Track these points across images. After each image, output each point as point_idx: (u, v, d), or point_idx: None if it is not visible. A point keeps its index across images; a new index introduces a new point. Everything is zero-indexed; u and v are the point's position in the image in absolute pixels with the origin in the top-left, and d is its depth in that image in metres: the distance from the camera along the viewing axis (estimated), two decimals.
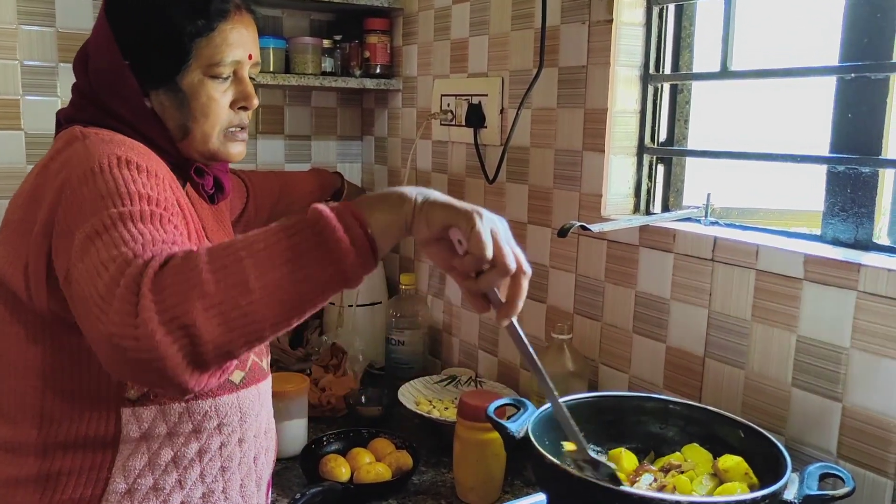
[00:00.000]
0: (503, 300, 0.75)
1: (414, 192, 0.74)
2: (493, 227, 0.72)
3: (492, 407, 1.07)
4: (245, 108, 1.05)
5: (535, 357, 0.80)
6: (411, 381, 1.60)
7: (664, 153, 1.41)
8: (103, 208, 0.79)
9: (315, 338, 1.86)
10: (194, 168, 1.06)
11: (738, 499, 0.85)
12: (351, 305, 1.87)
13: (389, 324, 1.81)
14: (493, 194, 1.67)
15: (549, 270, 1.53)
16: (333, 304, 1.91)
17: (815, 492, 0.88)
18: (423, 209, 0.72)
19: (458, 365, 1.80)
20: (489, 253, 0.70)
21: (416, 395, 1.56)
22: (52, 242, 0.84)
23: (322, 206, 0.71)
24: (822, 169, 1.15)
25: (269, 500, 1.15)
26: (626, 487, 0.88)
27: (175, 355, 0.65)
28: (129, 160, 0.86)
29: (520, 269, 0.73)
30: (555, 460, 0.91)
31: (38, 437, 0.92)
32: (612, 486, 0.85)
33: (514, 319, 0.78)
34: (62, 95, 1.78)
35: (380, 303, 1.92)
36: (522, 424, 1.03)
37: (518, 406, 1.09)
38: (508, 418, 1.08)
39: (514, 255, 0.73)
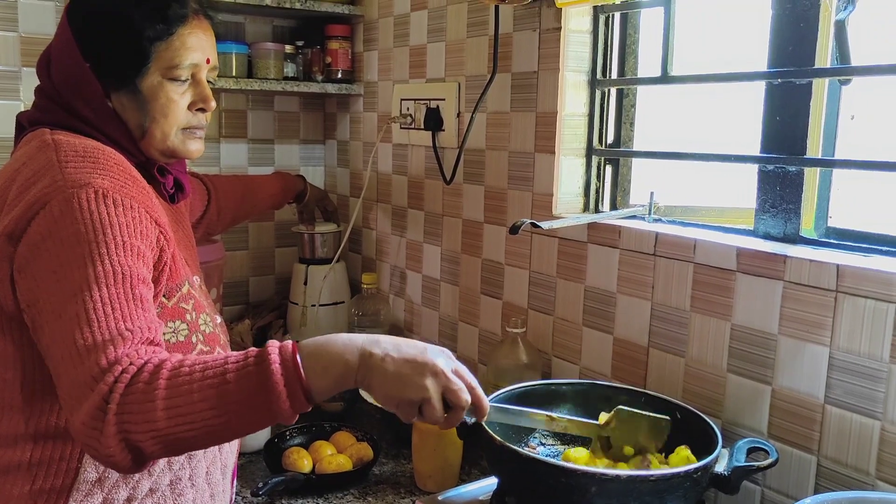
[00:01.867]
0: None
1: (356, 358, 0.83)
2: (424, 399, 0.84)
3: None
4: (203, 110, 1.09)
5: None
6: None
7: (611, 154, 1.48)
8: (81, 261, 0.86)
9: (279, 337, 1.89)
10: (157, 168, 1.10)
11: (673, 471, 0.91)
12: (314, 305, 1.91)
13: (352, 322, 1.85)
14: (450, 195, 1.73)
15: (504, 268, 1.60)
16: (296, 303, 1.95)
17: (742, 463, 0.95)
18: (364, 383, 0.84)
19: None
20: (412, 420, 0.87)
21: None
22: (19, 260, 0.89)
23: (275, 363, 0.80)
24: (755, 168, 1.23)
25: (234, 491, 1.19)
26: (570, 464, 0.94)
27: (124, 460, 0.80)
28: (107, 194, 0.91)
29: (458, 409, 0.87)
30: (504, 442, 0.97)
31: (7, 428, 0.94)
32: (557, 463, 0.91)
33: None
34: (25, 100, 1.80)
35: (342, 302, 1.96)
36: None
37: None
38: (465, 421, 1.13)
39: (452, 402, 0.86)
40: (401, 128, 1.85)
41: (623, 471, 0.93)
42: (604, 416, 1.07)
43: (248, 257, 2.15)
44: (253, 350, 0.83)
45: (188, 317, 1.02)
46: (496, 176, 1.60)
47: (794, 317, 1.08)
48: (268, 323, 2.00)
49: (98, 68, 1.02)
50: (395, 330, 1.94)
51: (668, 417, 1.04)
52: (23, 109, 1.78)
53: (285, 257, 2.18)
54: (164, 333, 0.96)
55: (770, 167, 1.19)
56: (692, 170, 1.44)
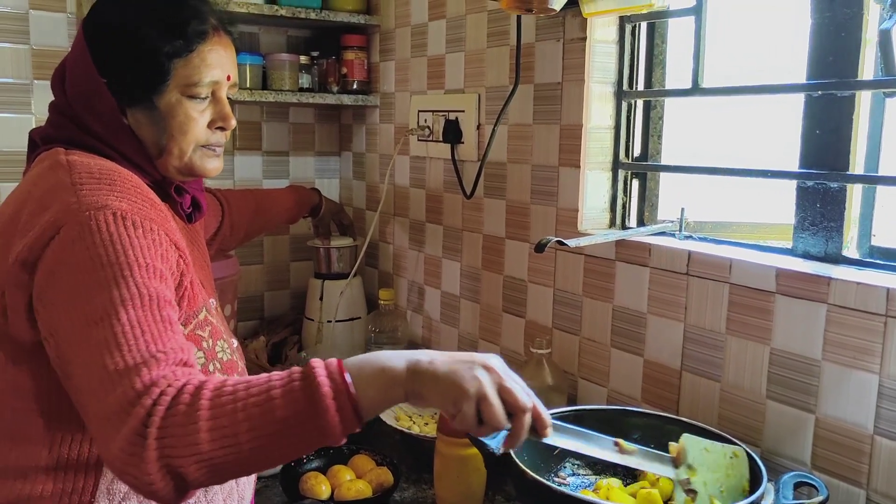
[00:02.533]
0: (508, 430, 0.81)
1: (403, 367, 0.78)
2: (479, 394, 0.77)
3: None
4: (222, 129, 1.06)
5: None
6: None
7: (638, 168, 1.43)
8: (104, 285, 0.81)
9: (294, 354, 1.85)
10: (174, 187, 1.06)
11: None
12: (330, 321, 1.86)
13: (368, 339, 1.81)
14: (470, 209, 1.68)
15: (527, 285, 1.55)
16: (312, 319, 1.90)
17: (790, 501, 0.90)
18: (413, 389, 0.78)
19: None
20: (474, 429, 0.79)
21: (395, 411, 1.56)
22: (37, 289, 0.85)
23: (321, 375, 0.76)
24: (790, 183, 1.17)
25: None
26: (603, 501, 0.89)
27: (166, 490, 0.74)
28: (125, 215, 0.87)
29: (518, 412, 0.79)
30: (537, 477, 0.92)
31: (21, 459, 0.91)
32: (594, 500, 0.86)
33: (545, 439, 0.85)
34: (37, 113, 1.77)
35: (359, 318, 1.92)
36: (502, 441, 1.03)
37: None
38: (529, 440, 1.08)
39: (509, 403, 0.79)
40: (418, 140, 1.81)
41: None
42: (673, 447, 1.00)
43: (262, 272, 2.11)
44: (297, 368, 0.78)
45: (205, 344, 0.98)
46: (518, 190, 1.55)
47: (840, 342, 1.02)
48: (282, 339, 1.96)
49: (114, 84, 0.98)
50: (413, 347, 1.89)
51: (741, 447, 0.99)
52: (34, 122, 1.76)
53: (300, 272, 2.14)
54: None
55: (810, 183, 1.14)
56: (721, 184, 1.39)
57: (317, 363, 0.77)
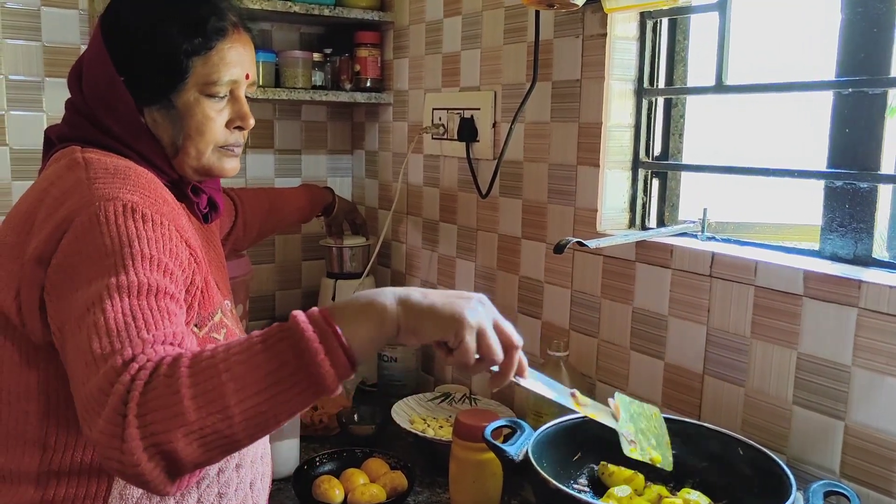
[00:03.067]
0: (496, 369, 0.79)
1: (393, 300, 0.74)
2: (479, 326, 0.75)
3: (488, 430, 1.05)
4: (240, 129, 1.03)
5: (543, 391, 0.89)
6: (405, 399, 1.57)
7: (659, 167, 1.40)
8: (105, 273, 0.78)
9: None
10: (191, 187, 1.04)
11: None
12: None
13: None
14: (486, 209, 1.65)
15: (543, 286, 1.52)
16: None
17: None
18: (408, 322, 0.73)
19: (451, 382, 1.77)
20: (473, 360, 0.75)
21: (409, 413, 1.53)
22: (49, 284, 0.83)
23: (303, 321, 0.71)
24: (820, 184, 1.14)
25: None
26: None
27: (156, 473, 0.68)
28: (135, 208, 0.85)
29: (510, 348, 0.78)
30: (558, 485, 0.89)
31: (30, 464, 0.89)
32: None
33: (520, 380, 0.84)
34: (48, 110, 1.75)
35: None
36: (521, 447, 1.01)
37: (514, 427, 1.07)
38: (505, 440, 1.06)
39: (502, 340, 0.77)
40: (432, 138, 1.78)
41: None
42: (611, 403, 1.00)
43: (274, 271, 2.09)
44: (277, 323, 0.73)
45: None
46: (535, 189, 1.52)
47: (871, 347, 0.99)
48: None
49: (132, 83, 0.96)
50: (427, 348, 1.86)
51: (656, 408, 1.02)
52: (46, 120, 1.74)
53: (312, 271, 2.12)
54: None
55: (838, 183, 1.11)
56: (743, 185, 1.36)
57: (297, 313, 0.72)
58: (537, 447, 1.02)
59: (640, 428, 0.99)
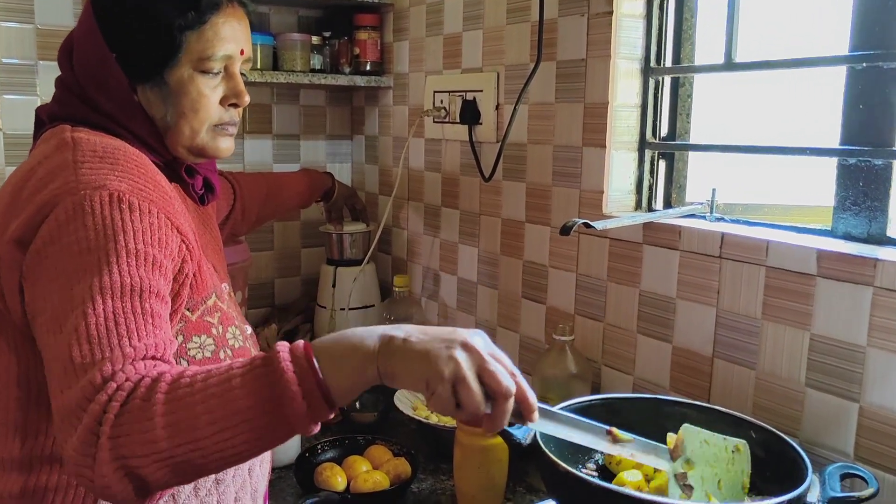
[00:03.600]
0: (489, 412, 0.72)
1: (376, 343, 0.70)
2: (454, 375, 0.68)
3: None
4: (235, 105, 1.00)
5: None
6: None
7: (666, 148, 1.37)
8: (87, 270, 0.76)
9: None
10: (185, 168, 1.01)
11: None
12: (343, 309, 1.82)
13: None
14: (489, 193, 1.63)
15: (548, 270, 1.49)
16: (324, 307, 1.86)
17: (839, 493, 0.85)
18: (385, 368, 0.70)
19: None
20: (451, 413, 0.70)
21: (412, 400, 1.51)
22: (25, 267, 0.80)
23: (285, 358, 0.69)
24: (830, 163, 1.12)
25: None
26: (645, 494, 0.84)
27: (126, 493, 0.68)
28: (122, 197, 0.81)
29: (499, 397, 0.70)
30: (568, 467, 0.87)
31: (21, 450, 0.86)
32: (638, 496, 0.81)
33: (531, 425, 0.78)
34: (42, 94, 1.72)
35: (372, 306, 1.87)
36: (528, 430, 0.98)
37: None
38: (510, 424, 1.04)
39: (491, 388, 0.70)
40: (434, 121, 1.76)
41: (709, 502, 0.83)
42: (671, 438, 0.95)
43: (273, 258, 2.06)
44: (260, 353, 0.72)
45: (214, 331, 0.93)
46: (539, 172, 1.50)
47: (887, 327, 0.97)
48: (294, 327, 1.92)
49: (124, 59, 0.93)
50: None
51: (743, 441, 0.94)
52: (40, 104, 1.71)
53: (312, 258, 2.10)
54: (189, 350, 0.87)
55: (852, 161, 1.08)
56: (751, 166, 1.34)
57: (281, 346, 0.71)
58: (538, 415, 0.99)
59: (709, 470, 0.88)
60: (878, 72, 1.04)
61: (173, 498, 0.89)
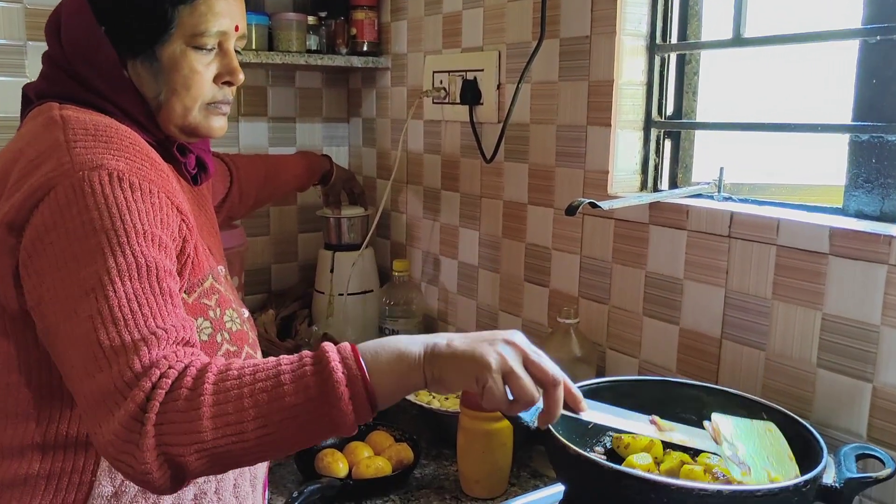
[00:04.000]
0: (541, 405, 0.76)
1: (421, 351, 0.74)
2: (503, 368, 0.72)
3: None
4: (229, 84, 0.97)
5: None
6: None
7: (672, 127, 1.34)
8: (98, 252, 0.74)
9: (304, 328, 1.78)
10: (177, 146, 0.98)
11: (780, 486, 0.79)
12: (341, 294, 1.79)
13: (382, 312, 1.73)
14: (490, 175, 1.60)
15: (551, 253, 1.47)
16: (322, 292, 1.83)
17: (855, 474, 0.83)
18: (433, 373, 0.73)
19: None
20: (505, 406, 0.73)
21: None
22: (25, 255, 0.77)
23: (334, 359, 0.71)
24: (840, 141, 1.09)
25: (266, 499, 1.07)
26: (665, 478, 0.82)
27: (163, 480, 0.69)
28: (122, 176, 0.79)
29: (549, 385, 0.74)
30: (579, 450, 0.85)
31: (13, 437, 0.83)
32: (650, 477, 0.79)
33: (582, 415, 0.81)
34: (31, 76, 1.68)
35: (371, 291, 1.84)
36: (535, 413, 0.95)
37: None
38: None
39: (538, 378, 0.74)
40: (433, 102, 1.72)
41: (724, 486, 0.81)
42: (708, 426, 0.94)
43: (269, 243, 2.03)
44: (307, 352, 0.73)
45: (212, 314, 0.90)
46: (542, 153, 1.47)
47: None
48: (292, 313, 1.89)
49: (114, 33, 0.89)
50: (429, 320, 1.82)
51: (770, 422, 0.93)
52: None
53: (309, 243, 2.07)
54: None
55: (864, 137, 1.06)
56: (758, 145, 1.31)
57: (329, 347, 0.72)
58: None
59: (754, 448, 0.89)
60: (892, 45, 1.02)
61: None
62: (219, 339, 0.90)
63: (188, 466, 0.68)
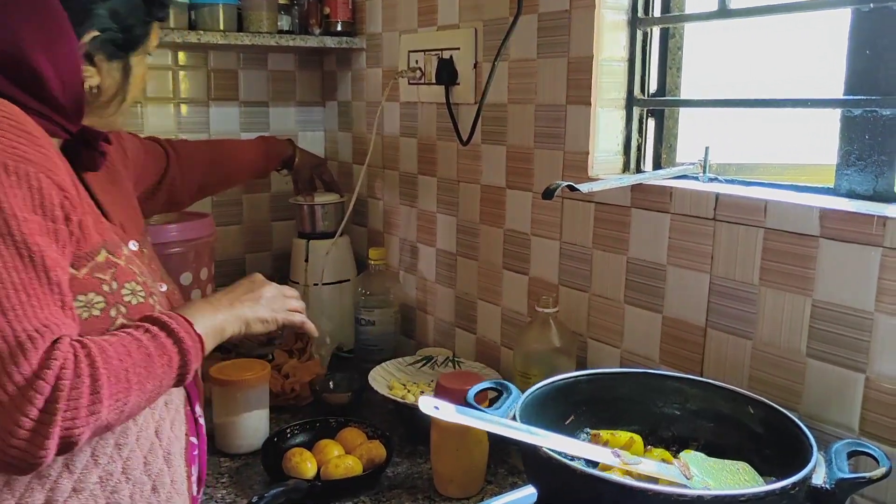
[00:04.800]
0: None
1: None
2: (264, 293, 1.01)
3: (471, 393, 0.94)
4: None
5: None
6: (383, 364, 1.46)
7: (656, 104, 1.28)
8: None
9: None
10: (73, 135, 0.91)
11: (767, 489, 0.72)
12: (316, 284, 1.72)
13: (358, 302, 1.67)
14: (467, 158, 1.53)
15: (530, 239, 1.40)
16: (297, 282, 1.76)
17: (848, 474, 0.77)
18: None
19: (433, 345, 1.67)
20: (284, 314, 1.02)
21: (388, 379, 1.42)
22: None
23: (170, 321, 0.84)
24: (832, 117, 1.03)
25: (195, 481, 0.99)
26: (643, 484, 0.76)
27: (51, 458, 0.72)
28: None
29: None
30: (551, 452, 0.78)
31: None
32: (627, 483, 0.73)
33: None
34: None
35: (348, 280, 1.77)
36: (508, 411, 0.90)
37: (500, 390, 0.96)
38: (490, 403, 0.95)
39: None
40: (409, 83, 1.65)
41: (706, 490, 0.74)
42: (680, 458, 0.88)
43: (241, 232, 1.96)
44: (148, 316, 0.85)
45: (105, 287, 0.84)
46: (520, 134, 1.40)
47: None
48: None
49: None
50: (406, 309, 1.75)
51: (744, 462, 0.88)
52: None
53: (283, 232, 1.99)
54: (75, 308, 0.79)
55: (857, 111, 1.00)
56: (745, 124, 1.25)
57: (164, 314, 0.85)
58: (526, 411, 0.91)
59: (726, 484, 0.84)
60: (887, 14, 0.95)
61: (69, 469, 0.81)
62: (113, 313, 0.85)
63: (81, 442, 0.73)
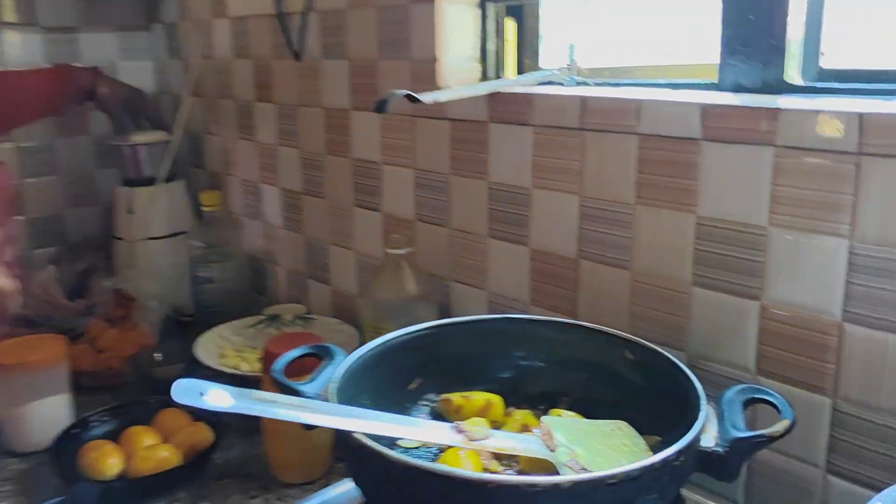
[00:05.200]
0: None
1: None
2: None
3: (280, 363, 0.73)
4: None
5: None
6: (217, 328, 1.23)
7: None
8: None
9: (99, 283, 1.44)
10: None
11: (642, 465, 0.55)
12: (144, 239, 1.45)
13: (193, 257, 1.42)
14: (307, 77, 1.29)
15: (381, 168, 1.19)
16: (122, 238, 1.49)
17: (744, 432, 0.60)
18: None
19: (286, 300, 1.44)
20: None
21: (221, 346, 1.20)
22: None
23: None
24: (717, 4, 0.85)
25: None
26: (481, 475, 0.57)
27: None
28: None
29: None
30: (366, 441, 0.59)
31: None
32: (461, 474, 0.54)
33: None
34: None
35: (184, 232, 1.52)
36: (323, 384, 0.69)
37: (322, 356, 0.75)
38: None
39: None
40: None
41: (564, 477, 0.56)
42: (536, 433, 0.69)
43: (59, 184, 1.65)
44: None
45: None
46: (362, 44, 1.17)
47: (795, 198, 0.73)
48: (89, 265, 1.54)
49: None
50: (254, 262, 1.51)
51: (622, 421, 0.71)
52: None
53: (112, 181, 1.70)
54: None
55: None
56: (618, 20, 1.07)
57: None
58: (352, 379, 0.71)
59: (597, 450, 0.67)
60: None
61: None
62: None
63: None
